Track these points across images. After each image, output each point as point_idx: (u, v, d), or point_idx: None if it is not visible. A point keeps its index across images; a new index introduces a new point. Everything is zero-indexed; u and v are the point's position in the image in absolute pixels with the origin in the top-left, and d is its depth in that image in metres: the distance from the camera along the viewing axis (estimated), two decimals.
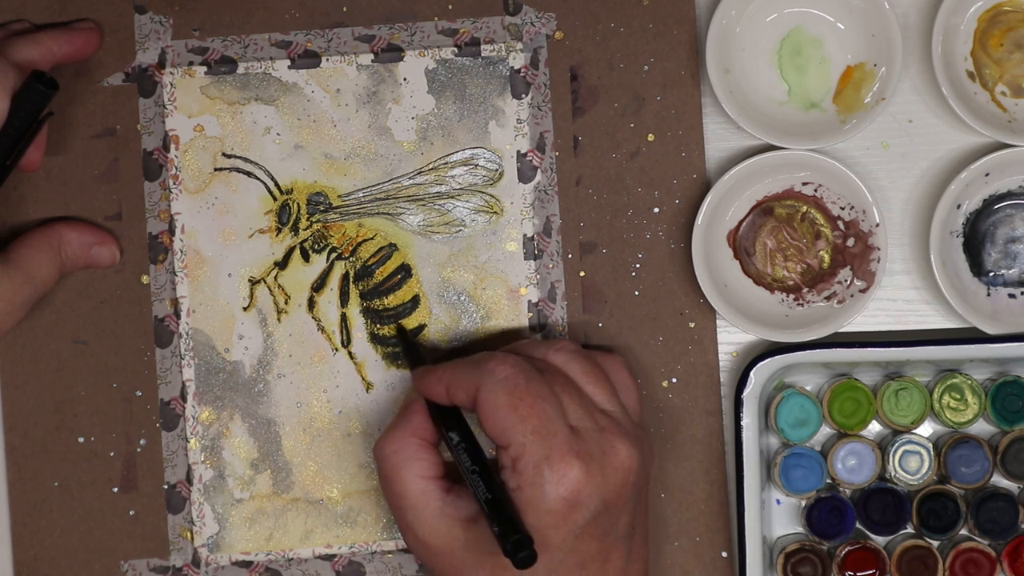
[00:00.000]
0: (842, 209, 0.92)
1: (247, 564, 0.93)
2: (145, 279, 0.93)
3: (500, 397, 0.81)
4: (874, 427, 0.93)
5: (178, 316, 0.93)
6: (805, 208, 0.93)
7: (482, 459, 0.83)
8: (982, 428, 0.92)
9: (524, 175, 0.93)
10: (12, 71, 0.85)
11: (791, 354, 0.90)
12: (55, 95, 0.86)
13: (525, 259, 0.93)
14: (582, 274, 0.93)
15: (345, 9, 0.93)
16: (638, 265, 0.93)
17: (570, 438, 0.81)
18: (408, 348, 0.91)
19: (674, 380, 0.93)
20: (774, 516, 0.93)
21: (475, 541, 0.82)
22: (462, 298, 0.93)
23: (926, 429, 0.93)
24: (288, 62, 0.93)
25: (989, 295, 0.93)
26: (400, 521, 0.84)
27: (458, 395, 0.83)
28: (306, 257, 0.93)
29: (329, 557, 0.93)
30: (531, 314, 0.93)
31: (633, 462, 0.82)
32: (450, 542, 0.83)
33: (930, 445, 0.91)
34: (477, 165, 0.93)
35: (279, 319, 0.93)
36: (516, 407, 0.81)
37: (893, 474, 0.91)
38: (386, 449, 0.84)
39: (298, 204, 0.93)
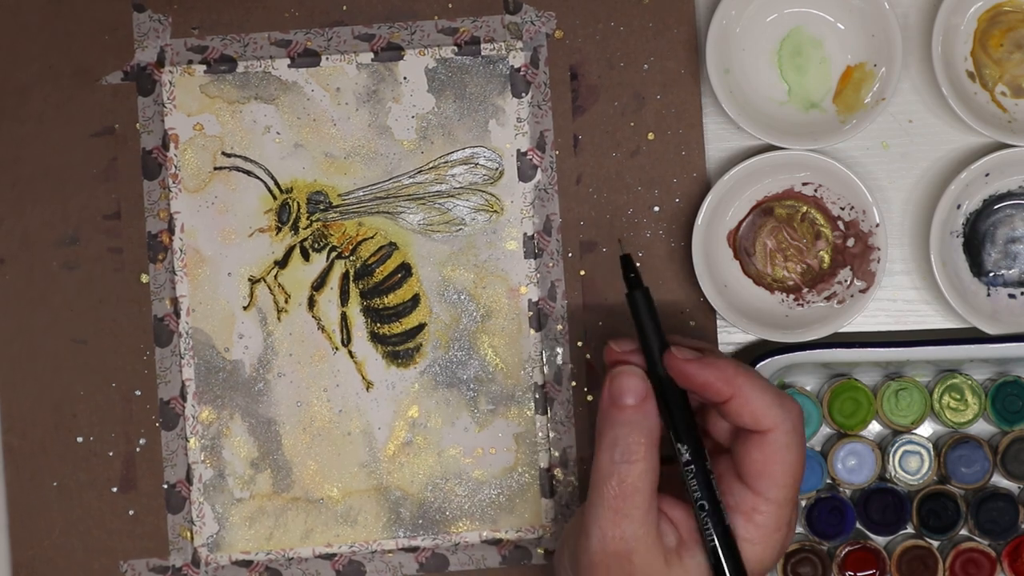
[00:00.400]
0: (842, 209, 0.92)
1: (247, 564, 0.93)
2: (144, 278, 0.93)
3: (793, 450, 0.78)
4: (874, 427, 0.93)
5: (178, 315, 0.93)
6: (805, 208, 0.93)
7: (710, 487, 0.79)
8: (982, 428, 0.92)
9: (524, 174, 0.93)
10: None
11: (791, 354, 0.90)
12: None
13: (525, 258, 0.93)
14: (582, 273, 0.93)
15: (345, 8, 0.93)
16: (638, 264, 0.93)
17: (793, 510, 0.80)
18: (649, 316, 0.83)
19: None
20: None
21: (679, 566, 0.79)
22: (462, 297, 0.93)
23: (926, 429, 0.93)
24: (288, 61, 0.93)
25: (989, 295, 0.93)
26: (610, 518, 0.78)
27: (741, 417, 0.78)
28: (306, 256, 0.93)
29: (329, 556, 0.93)
30: (531, 313, 0.93)
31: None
32: (652, 563, 0.79)
33: (930, 445, 0.91)
34: (477, 164, 0.93)
35: (279, 318, 0.93)
36: (796, 467, 0.78)
37: (893, 474, 0.91)
38: (627, 454, 0.78)
39: (298, 203, 0.93)
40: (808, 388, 0.93)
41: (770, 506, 0.78)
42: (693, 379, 0.78)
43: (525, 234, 0.93)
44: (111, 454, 0.92)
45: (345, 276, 0.93)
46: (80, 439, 0.92)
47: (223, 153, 0.93)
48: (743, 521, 0.78)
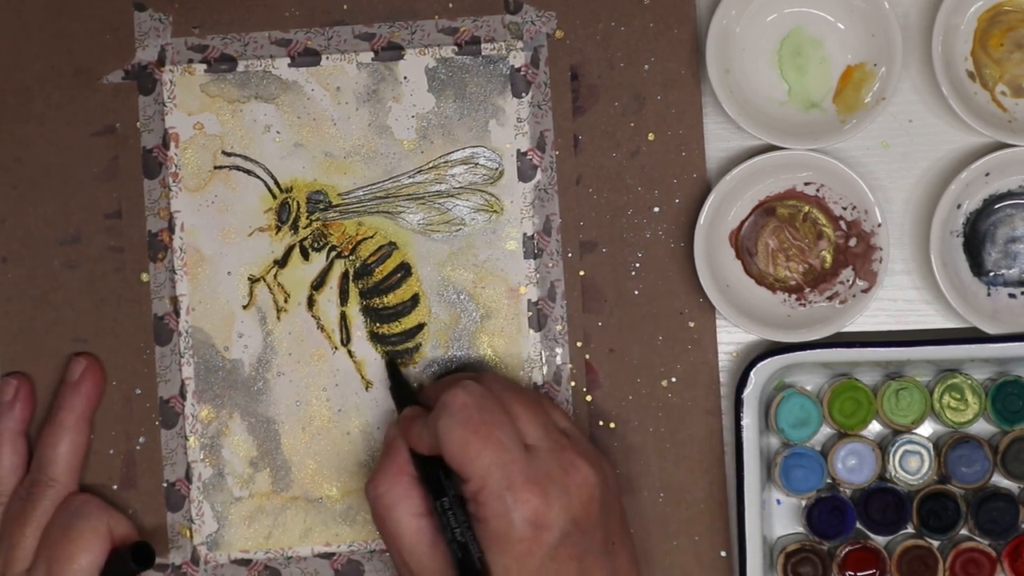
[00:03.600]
0: (844, 209, 0.92)
1: (246, 562, 0.93)
2: (145, 277, 0.93)
3: (455, 431, 0.81)
4: (874, 427, 0.93)
5: (177, 314, 0.93)
6: (807, 208, 0.93)
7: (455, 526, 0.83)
8: (982, 428, 0.92)
9: (524, 174, 0.93)
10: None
11: (791, 354, 0.90)
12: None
13: (525, 258, 0.93)
14: (582, 273, 0.93)
15: (345, 7, 0.93)
16: (638, 264, 0.93)
17: (528, 463, 0.81)
18: (397, 385, 0.91)
19: (673, 379, 0.93)
20: (774, 516, 0.93)
21: None
22: (462, 297, 0.93)
23: (926, 429, 0.93)
24: (288, 60, 0.93)
25: (989, 295, 0.93)
26: (395, 558, 0.84)
27: (425, 441, 0.83)
28: (306, 255, 0.93)
29: (328, 555, 0.93)
30: (531, 313, 0.93)
31: (595, 479, 0.82)
32: None
33: (930, 445, 0.91)
34: (477, 164, 0.93)
35: (279, 317, 0.93)
36: (470, 440, 0.80)
37: (893, 474, 0.91)
38: (378, 489, 0.84)
39: (298, 202, 0.93)
40: (808, 388, 0.93)
41: (474, 484, 0.80)
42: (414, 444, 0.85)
43: (525, 234, 0.93)
44: (111, 452, 0.93)
45: (345, 275, 0.93)
46: None
47: (223, 152, 0.93)
48: (475, 507, 0.81)
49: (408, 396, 0.90)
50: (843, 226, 0.92)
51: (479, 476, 0.80)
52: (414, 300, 0.93)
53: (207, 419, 0.93)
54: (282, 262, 0.93)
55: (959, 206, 0.92)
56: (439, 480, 0.83)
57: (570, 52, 0.93)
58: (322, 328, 0.93)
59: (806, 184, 0.92)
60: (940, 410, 0.91)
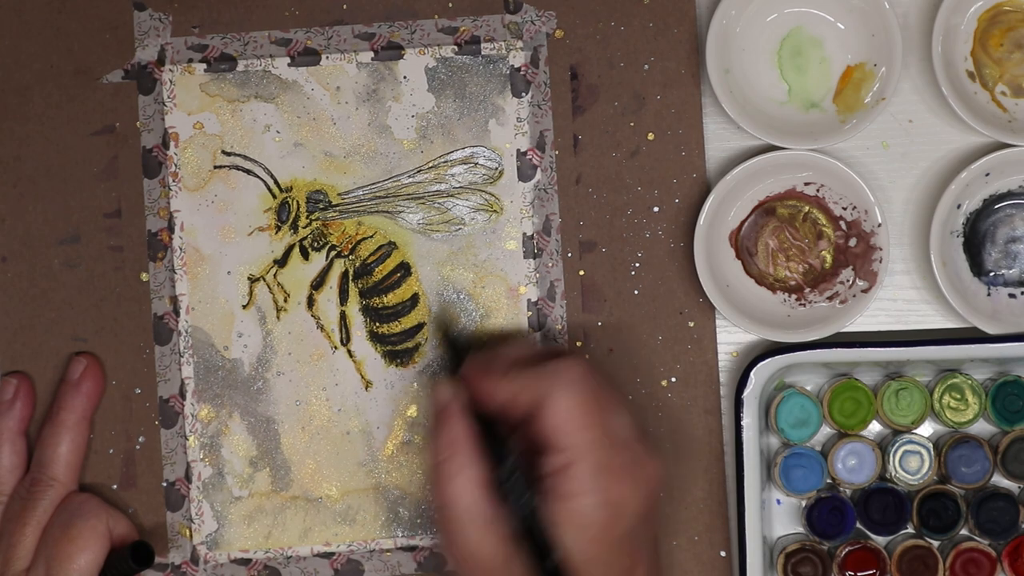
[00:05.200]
0: (844, 209, 0.92)
1: (246, 562, 0.93)
2: (144, 276, 0.93)
3: (574, 399, 0.80)
4: (874, 427, 0.93)
5: (177, 314, 0.93)
6: (807, 208, 0.93)
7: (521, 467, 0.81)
8: (982, 428, 0.92)
9: (524, 174, 0.93)
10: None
11: (791, 354, 0.90)
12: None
13: (524, 258, 0.93)
14: (581, 273, 0.93)
15: (345, 7, 0.93)
16: (637, 264, 0.93)
17: (617, 450, 0.81)
18: (455, 348, 0.89)
19: (673, 379, 0.93)
20: (774, 516, 0.93)
21: (516, 559, 0.81)
22: (461, 296, 0.93)
23: (926, 429, 0.93)
24: (288, 60, 0.93)
25: (989, 295, 0.93)
26: (444, 527, 0.82)
27: (522, 400, 0.81)
28: (305, 255, 0.93)
29: (328, 555, 0.93)
30: (530, 313, 0.93)
31: (661, 473, 0.83)
32: (492, 557, 0.81)
33: (930, 445, 0.91)
34: (477, 163, 0.93)
35: (278, 317, 0.93)
36: (587, 413, 0.80)
37: (893, 474, 0.91)
38: (440, 455, 0.81)
39: (298, 202, 0.93)
40: (808, 388, 0.93)
41: (570, 455, 0.79)
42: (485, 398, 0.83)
43: (524, 234, 0.93)
44: (111, 451, 0.93)
45: (344, 275, 0.93)
46: None
47: (223, 152, 0.93)
48: (557, 479, 0.80)
49: (463, 352, 0.88)
50: (843, 226, 0.92)
51: (579, 450, 0.80)
52: (414, 300, 0.93)
53: (207, 419, 0.93)
54: (282, 262, 0.93)
55: (959, 206, 0.92)
56: (502, 442, 0.81)
57: (570, 52, 0.93)
58: (322, 328, 0.93)
59: (806, 184, 0.92)
60: (940, 410, 0.91)
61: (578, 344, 0.93)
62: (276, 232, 0.93)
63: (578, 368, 0.81)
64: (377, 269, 0.93)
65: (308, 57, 0.93)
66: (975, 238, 0.93)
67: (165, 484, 0.93)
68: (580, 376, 0.81)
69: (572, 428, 0.80)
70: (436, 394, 0.84)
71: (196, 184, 0.93)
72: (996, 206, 0.93)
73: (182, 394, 0.93)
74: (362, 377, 0.93)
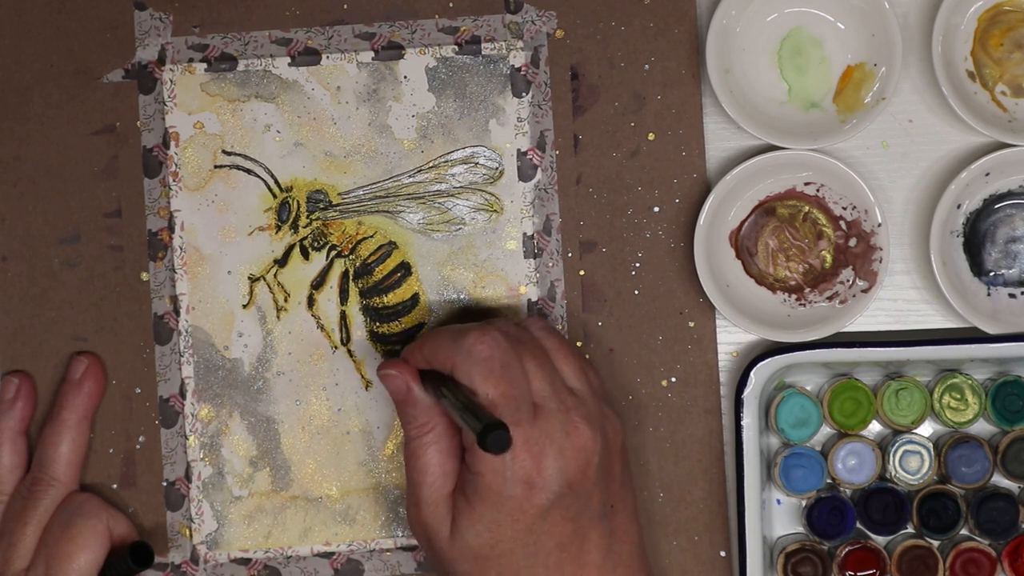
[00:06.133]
0: (844, 209, 0.92)
1: (246, 561, 0.93)
2: (144, 276, 0.93)
3: (475, 381, 0.82)
4: (874, 427, 0.93)
5: (177, 313, 0.93)
6: (807, 208, 0.93)
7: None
8: (982, 428, 0.92)
9: (524, 173, 0.93)
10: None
11: (791, 354, 0.90)
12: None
13: (525, 258, 0.93)
14: (582, 273, 0.93)
15: (346, 7, 0.93)
16: (638, 264, 0.93)
17: (531, 424, 0.82)
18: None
19: (673, 379, 0.93)
20: (774, 516, 0.93)
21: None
22: (461, 296, 0.93)
23: (926, 429, 0.93)
24: (288, 59, 0.93)
25: (989, 295, 0.93)
26: (413, 514, 0.85)
27: (437, 365, 0.84)
28: (306, 255, 0.93)
29: (327, 555, 0.93)
30: (530, 313, 0.93)
31: (595, 443, 0.83)
32: (442, 527, 0.84)
33: (930, 445, 0.91)
34: (477, 163, 0.93)
35: (278, 317, 0.93)
36: (486, 392, 0.81)
37: (893, 474, 0.91)
38: (416, 432, 0.85)
39: (298, 202, 0.93)
40: (808, 388, 0.93)
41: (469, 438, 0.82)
42: (416, 363, 0.86)
43: (525, 234, 0.93)
44: (111, 451, 0.93)
45: (345, 275, 0.93)
46: None
47: (223, 151, 0.93)
48: (472, 458, 0.82)
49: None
50: (843, 226, 0.92)
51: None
52: (414, 300, 0.93)
53: (207, 418, 0.93)
54: (282, 261, 0.93)
55: (959, 206, 0.92)
56: (443, 380, 0.84)
57: (570, 52, 0.93)
58: (322, 327, 0.93)
59: (806, 184, 0.92)
60: (940, 410, 0.91)
61: (578, 344, 0.93)
62: (276, 232, 0.93)
63: (484, 346, 0.82)
64: (377, 269, 0.93)
65: (308, 57, 0.93)
66: (975, 238, 0.93)
67: (165, 484, 0.93)
68: (486, 356, 0.82)
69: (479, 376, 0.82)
70: (386, 380, 0.86)
71: (196, 184, 0.93)
72: (996, 206, 0.93)
73: (182, 394, 0.93)
74: (362, 377, 0.93)
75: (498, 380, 0.81)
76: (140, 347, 0.93)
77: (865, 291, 0.91)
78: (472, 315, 0.93)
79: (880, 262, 0.91)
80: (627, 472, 0.87)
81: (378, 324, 0.93)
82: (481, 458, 0.81)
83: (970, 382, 0.91)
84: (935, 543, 0.91)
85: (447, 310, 0.93)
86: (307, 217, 0.93)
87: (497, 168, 0.93)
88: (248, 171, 0.93)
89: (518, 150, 0.93)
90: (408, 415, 0.85)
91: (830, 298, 0.92)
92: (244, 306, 0.93)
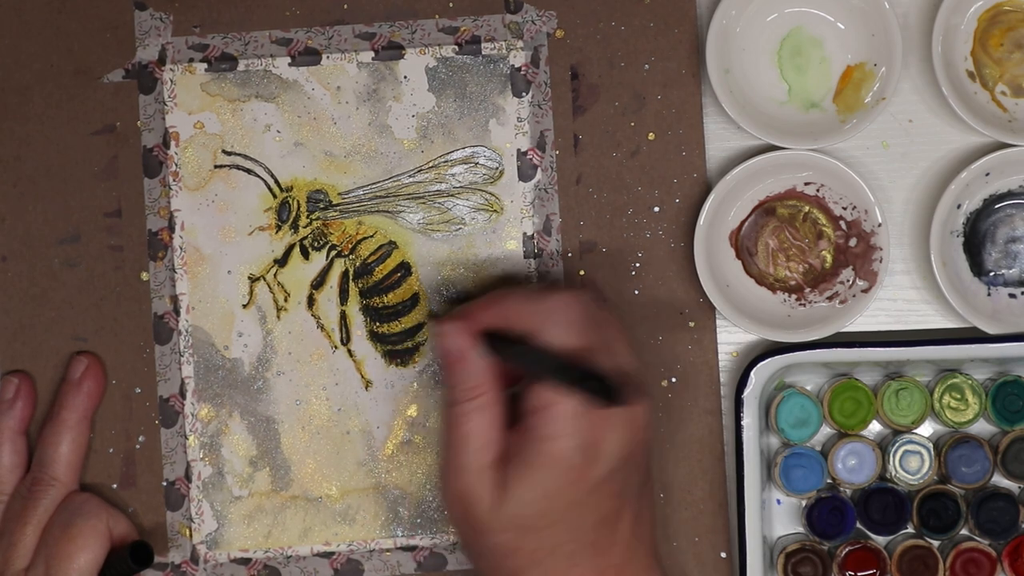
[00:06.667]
0: (844, 209, 0.92)
1: (245, 561, 0.93)
2: (144, 276, 0.93)
3: (564, 340, 0.81)
4: (874, 427, 0.93)
5: (177, 313, 0.93)
6: (807, 208, 0.93)
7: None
8: (982, 428, 0.92)
9: (524, 173, 0.93)
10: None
11: (791, 354, 0.90)
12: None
13: (525, 258, 0.93)
14: (582, 273, 0.93)
15: (346, 7, 0.93)
16: (638, 264, 0.93)
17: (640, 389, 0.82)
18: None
19: (673, 379, 0.93)
20: (774, 516, 0.93)
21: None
22: (461, 296, 0.93)
23: (926, 429, 0.93)
24: (288, 59, 0.93)
25: (989, 295, 0.93)
26: (451, 462, 0.83)
27: (515, 327, 0.83)
28: (306, 255, 0.93)
29: (327, 555, 0.93)
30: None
31: (649, 417, 0.83)
32: (484, 495, 0.82)
33: (930, 445, 0.91)
34: (477, 163, 0.93)
35: (279, 316, 0.93)
36: (568, 355, 0.81)
37: (893, 474, 0.91)
38: (465, 394, 0.83)
39: (298, 201, 0.93)
40: (808, 388, 0.93)
41: (547, 397, 0.81)
42: (482, 321, 0.84)
43: (525, 234, 0.93)
44: (111, 451, 0.93)
45: (345, 275, 0.93)
46: None
47: (223, 151, 0.93)
48: (537, 419, 0.81)
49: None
50: (843, 226, 0.92)
51: (559, 392, 0.81)
52: (414, 299, 0.93)
53: (207, 418, 0.93)
54: (282, 261, 0.93)
55: (959, 206, 0.92)
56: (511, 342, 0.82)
57: (570, 51, 0.93)
58: (322, 327, 0.93)
59: (806, 184, 0.92)
60: (940, 410, 0.91)
61: None
62: (276, 232, 0.93)
63: (574, 308, 0.82)
64: (377, 269, 0.93)
65: (309, 57, 0.93)
66: (975, 238, 0.93)
67: (165, 484, 0.93)
68: (574, 319, 0.81)
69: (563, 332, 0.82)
70: (443, 338, 0.84)
71: (196, 184, 0.93)
72: (996, 206, 0.93)
73: (182, 393, 0.93)
74: (362, 377, 0.93)
75: (585, 342, 0.81)
76: (140, 347, 0.93)
77: (865, 291, 0.91)
78: (470, 249, 0.93)
79: (880, 262, 0.91)
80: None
81: (378, 324, 0.93)
82: (553, 421, 0.80)
83: (970, 382, 0.91)
84: (935, 543, 0.91)
85: (447, 310, 0.93)
86: (307, 217, 0.93)
87: (497, 168, 0.93)
88: (248, 171, 0.93)
89: (518, 150, 0.93)
90: (458, 378, 0.83)
91: (830, 298, 0.92)
92: (244, 306, 0.93)
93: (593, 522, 0.82)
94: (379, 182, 0.93)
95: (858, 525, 0.91)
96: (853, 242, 0.92)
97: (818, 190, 0.92)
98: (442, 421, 0.84)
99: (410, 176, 0.93)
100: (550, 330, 0.81)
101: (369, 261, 0.93)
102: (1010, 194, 0.93)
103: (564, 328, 0.81)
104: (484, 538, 0.82)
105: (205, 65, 0.93)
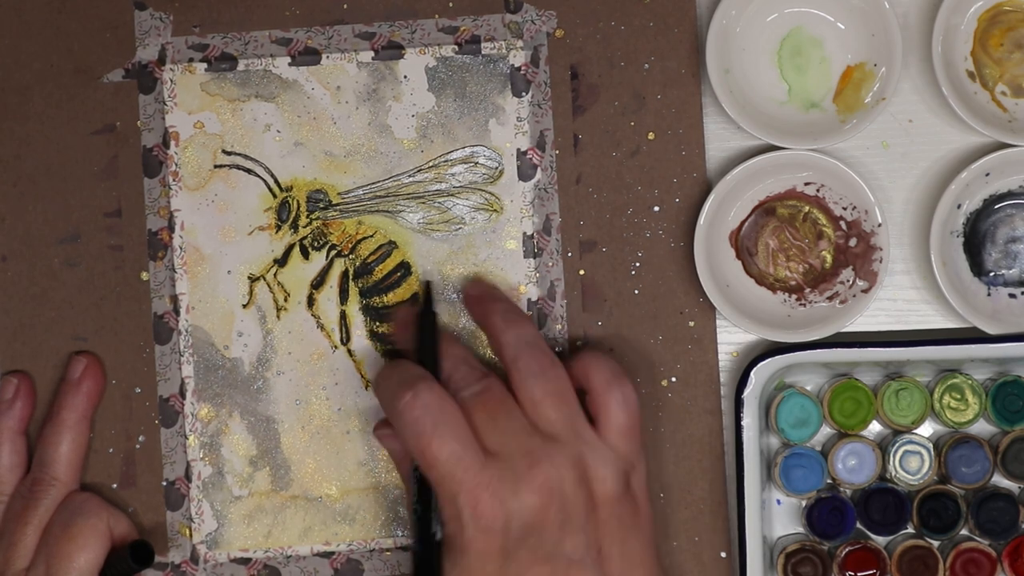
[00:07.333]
0: (844, 209, 0.92)
1: (245, 561, 0.93)
2: (144, 276, 0.93)
3: (409, 442, 0.82)
4: (874, 427, 0.93)
5: (177, 313, 0.93)
6: (807, 208, 0.93)
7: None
8: (982, 428, 0.92)
9: (524, 173, 0.93)
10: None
11: (791, 354, 0.90)
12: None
13: (524, 257, 0.93)
14: (582, 272, 0.93)
15: (346, 6, 0.93)
16: (638, 264, 0.93)
17: (482, 468, 0.81)
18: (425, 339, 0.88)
19: (673, 379, 0.93)
20: (774, 516, 0.93)
21: None
22: (461, 296, 0.93)
23: (926, 429, 0.93)
24: (288, 59, 0.93)
25: (989, 295, 0.93)
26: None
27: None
28: (306, 254, 0.93)
29: (327, 554, 0.93)
30: (531, 312, 0.93)
31: (556, 482, 0.82)
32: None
33: (930, 445, 0.91)
34: (477, 163, 0.93)
35: (278, 316, 0.93)
36: (423, 452, 0.81)
37: (893, 474, 0.91)
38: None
39: (298, 201, 0.93)
40: (808, 388, 0.93)
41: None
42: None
43: (525, 233, 0.93)
44: (111, 451, 0.93)
45: (344, 274, 0.93)
46: None
47: (223, 151, 0.93)
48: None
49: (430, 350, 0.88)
50: (843, 226, 0.92)
51: (436, 482, 0.81)
52: (414, 299, 0.93)
53: (207, 418, 0.93)
54: (282, 261, 0.93)
55: (959, 206, 0.92)
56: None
57: (570, 51, 0.93)
58: (322, 327, 0.93)
59: (806, 184, 0.92)
60: (940, 410, 0.91)
61: (578, 344, 0.93)
62: (276, 231, 0.93)
63: (413, 409, 0.82)
64: (377, 268, 0.93)
65: (308, 56, 0.93)
66: (975, 238, 0.93)
67: (165, 483, 0.93)
68: (416, 416, 0.82)
69: (423, 465, 0.82)
70: (383, 440, 0.89)
71: (196, 183, 0.93)
72: (996, 206, 0.93)
73: (182, 393, 0.93)
74: (362, 377, 0.93)
75: (429, 439, 0.81)
76: (140, 347, 0.93)
77: (865, 291, 0.91)
78: (470, 252, 0.93)
79: (880, 262, 0.91)
80: (630, 518, 0.84)
81: (378, 324, 0.93)
82: (440, 509, 0.82)
83: (970, 382, 0.91)
84: (935, 543, 0.91)
85: (447, 310, 0.93)
86: (307, 217, 0.93)
87: (497, 168, 0.93)
88: (248, 171, 0.93)
89: (518, 149, 0.93)
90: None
91: (830, 298, 0.92)
92: (244, 306, 0.93)
93: None
94: (379, 182, 0.93)
95: (858, 525, 0.91)
96: (853, 242, 0.92)
97: (818, 190, 0.92)
98: None
99: (410, 176, 0.93)
100: (400, 434, 0.83)
101: (369, 261, 0.93)
102: (1010, 194, 0.93)
103: (404, 431, 0.82)
104: None
105: (205, 65, 0.93)
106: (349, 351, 0.93)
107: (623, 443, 0.85)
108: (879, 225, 0.91)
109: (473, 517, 0.80)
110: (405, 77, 0.93)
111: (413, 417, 0.82)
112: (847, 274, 0.92)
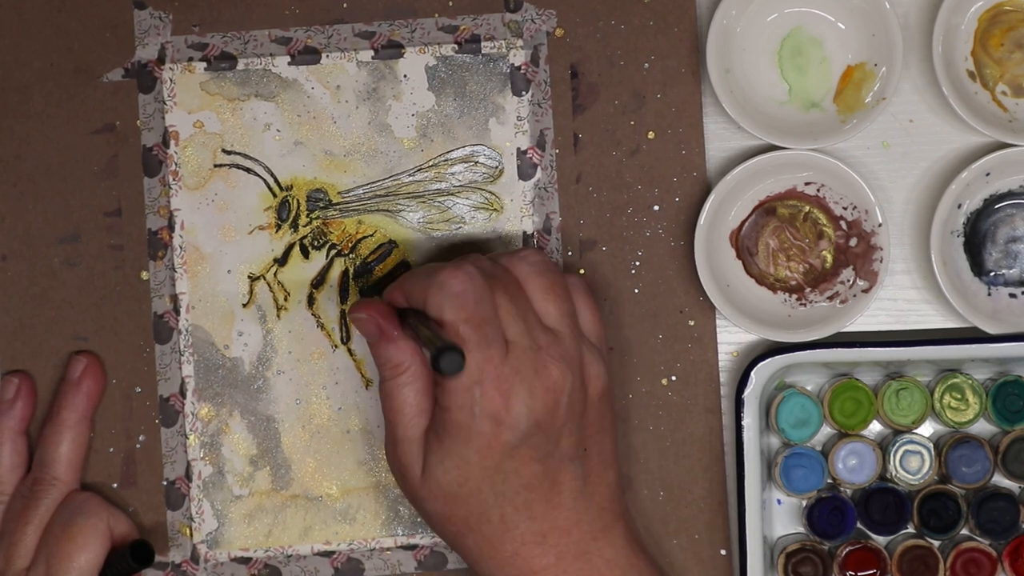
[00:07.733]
0: (844, 209, 0.92)
1: (246, 560, 0.93)
2: (144, 275, 0.93)
3: (445, 313, 0.81)
4: (875, 427, 0.93)
5: (177, 312, 0.93)
6: (807, 208, 0.93)
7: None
8: (983, 428, 0.92)
9: (524, 172, 0.93)
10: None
11: (792, 354, 0.90)
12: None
13: None
14: (582, 272, 0.93)
15: (345, 6, 0.93)
16: (638, 263, 0.93)
17: (502, 361, 0.81)
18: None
19: (673, 378, 0.93)
20: (775, 516, 0.93)
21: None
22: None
23: (927, 429, 0.93)
24: (288, 58, 0.93)
25: (990, 295, 0.93)
26: (390, 443, 0.86)
27: (413, 302, 0.84)
28: (306, 254, 0.93)
29: (328, 554, 0.93)
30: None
31: (566, 384, 0.83)
32: (415, 465, 0.84)
33: (931, 445, 0.91)
34: (477, 162, 0.93)
35: (279, 316, 0.93)
36: (457, 328, 0.81)
37: (894, 474, 0.91)
38: (390, 371, 0.84)
39: (298, 200, 0.93)
40: (809, 388, 0.93)
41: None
42: (395, 301, 0.86)
43: (525, 232, 0.93)
44: (111, 450, 0.93)
45: (345, 274, 0.93)
46: None
47: (223, 150, 0.93)
48: (441, 392, 0.82)
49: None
50: (843, 226, 0.92)
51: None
52: None
53: (207, 417, 0.93)
54: (282, 260, 0.93)
55: (959, 206, 0.92)
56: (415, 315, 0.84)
57: (570, 50, 0.93)
58: (322, 326, 0.93)
59: (806, 184, 0.92)
60: (940, 410, 0.91)
61: None
62: (276, 231, 0.93)
63: (457, 282, 0.82)
64: (377, 268, 0.93)
65: (308, 56, 0.93)
66: (975, 238, 0.93)
67: (165, 483, 0.93)
68: (459, 290, 0.81)
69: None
70: (357, 324, 0.86)
71: (196, 183, 0.93)
72: (996, 206, 0.93)
73: (182, 393, 0.93)
74: (362, 376, 0.93)
75: (469, 313, 0.81)
76: (140, 346, 0.93)
77: (865, 291, 0.91)
78: (469, 248, 0.93)
79: (880, 262, 0.91)
80: (607, 418, 0.86)
81: None
82: (450, 393, 0.81)
83: (970, 382, 0.91)
84: (936, 543, 0.91)
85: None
86: (307, 216, 0.93)
87: (497, 167, 0.93)
88: (248, 170, 0.93)
89: (518, 149, 0.93)
90: (382, 356, 0.85)
91: (830, 298, 0.92)
92: (244, 305, 0.93)
93: (519, 487, 0.82)
94: (379, 181, 0.93)
95: (858, 525, 0.91)
96: (853, 242, 0.92)
97: (818, 190, 0.92)
98: (380, 397, 0.86)
99: (410, 175, 0.93)
100: (433, 304, 0.82)
101: (369, 260, 0.93)
102: (1010, 194, 0.93)
103: (445, 301, 0.81)
104: (421, 506, 0.84)
105: (204, 64, 0.93)
106: (349, 350, 0.93)
107: (596, 337, 0.87)
108: (879, 225, 0.91)
109: (486, 411, 0.81)
110: (405, 76, 0.93)
111: (457, 288, 0.81)
112: (847, 274, 0.92)
